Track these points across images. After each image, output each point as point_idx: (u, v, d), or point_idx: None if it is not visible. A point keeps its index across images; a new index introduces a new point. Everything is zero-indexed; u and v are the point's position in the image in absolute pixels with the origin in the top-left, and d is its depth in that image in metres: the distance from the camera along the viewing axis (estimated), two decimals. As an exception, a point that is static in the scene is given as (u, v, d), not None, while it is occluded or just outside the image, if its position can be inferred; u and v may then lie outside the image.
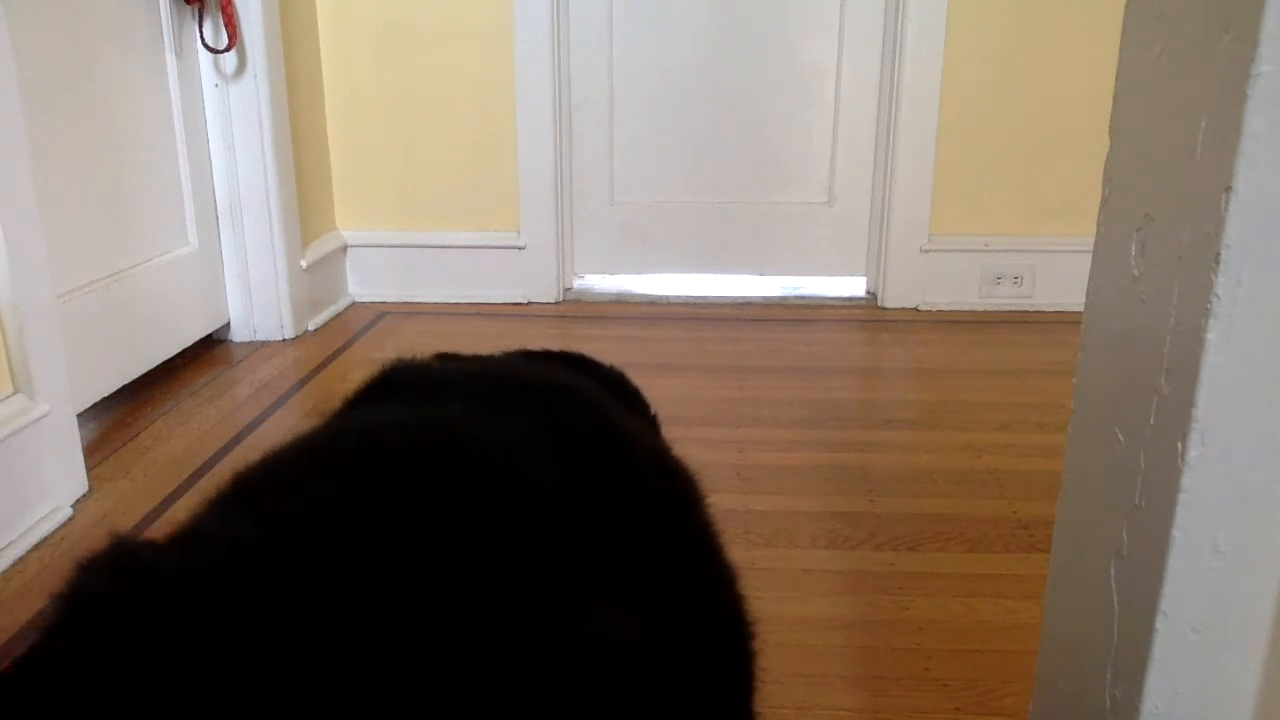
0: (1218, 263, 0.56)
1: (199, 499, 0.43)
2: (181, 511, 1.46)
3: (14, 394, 1.40)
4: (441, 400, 0.57)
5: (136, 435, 1.74)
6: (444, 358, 0.67)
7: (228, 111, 2.17)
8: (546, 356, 0.80)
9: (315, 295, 2.42)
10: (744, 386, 1.98)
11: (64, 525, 1.42)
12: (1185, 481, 0.60)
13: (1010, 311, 2.52)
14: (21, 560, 1.33)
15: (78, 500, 1.49)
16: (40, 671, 0.34)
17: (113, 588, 0.35)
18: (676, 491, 0.64)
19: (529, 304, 2.59)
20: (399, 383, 0.61)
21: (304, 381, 2.04)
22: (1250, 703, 0.65)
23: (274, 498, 0.43)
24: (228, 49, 2.11)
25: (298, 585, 0.36)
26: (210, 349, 2.22)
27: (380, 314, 2.52)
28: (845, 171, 2.58)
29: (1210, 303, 0.57)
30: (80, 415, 1.59)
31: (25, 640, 1.16)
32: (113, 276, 1.85)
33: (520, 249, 2.58)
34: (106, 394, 1.81)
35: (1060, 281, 2.49)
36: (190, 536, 0.41)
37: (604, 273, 2.70)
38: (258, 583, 0.36)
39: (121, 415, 1.83)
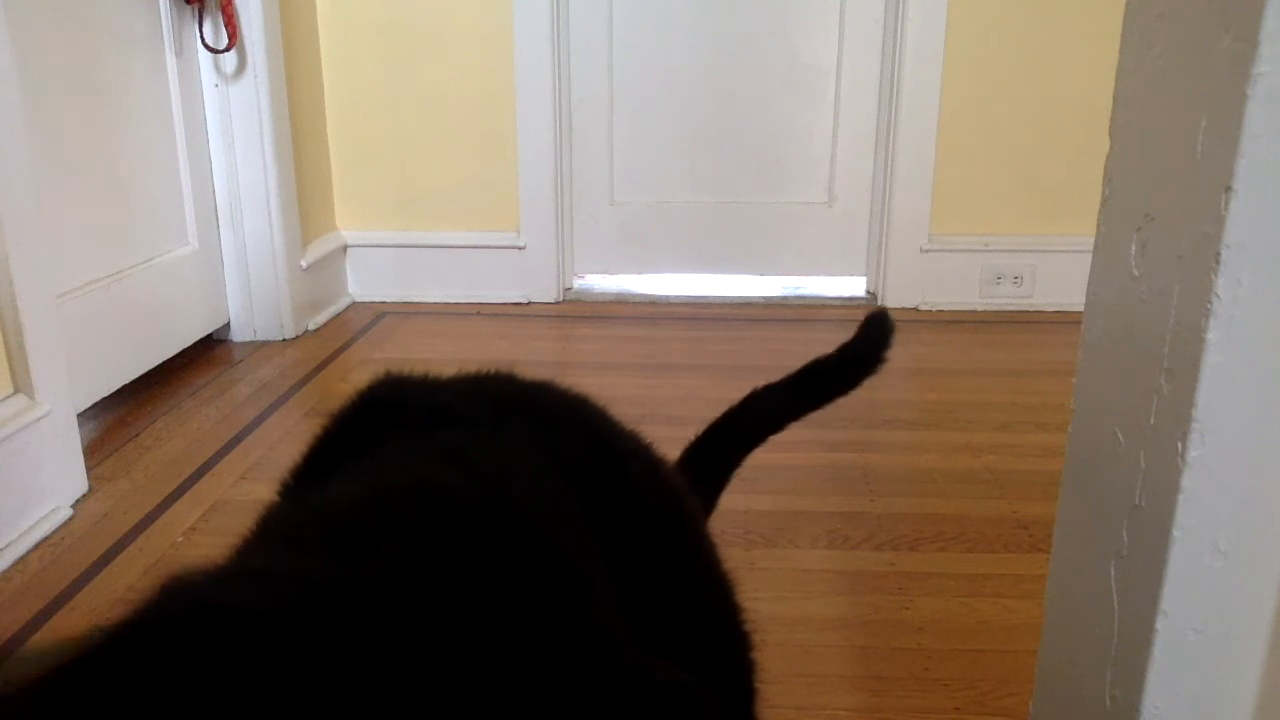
0: (1218, 263, 0.56)
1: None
2: (182, 511, 1.47)
3: (14, 394, 1.40)
4: (450, 433, 0.56)
5: (136, 435, 1.74)
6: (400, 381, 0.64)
7: (228, 111, 2.17)
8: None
9: (315, 295, 2.42)
10: (744, 387, 1.98)
11: (64, 525, 1.42)
12: (1185, 481, 0.60)
13: (1010, 311, 2.52)
14: (22, 560, 1.33)
15: (78, 500, 1.49)
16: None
17: (182, 625, 0.33)
18: (672, 506, 0.64)
19: (529, 304, 2.59)
20: (393, 407, 0.60)
21: (304, 381, 2.04)
22: (1250, 703, 0.65)
23: (330, 546, 0.42)
24: (228, 49, 2.11)
25: (370, 640, 0.34)
26: (210, 349, 2.22)
27: (380, 314, 2.52)
28: (845, 171, 2.58)
29: (1210, 303, 0.57)
30: (80, 415, 1.59)
31: (25, 640, 1.16)
32: (113, 276, 1.85)
33: (520, 249, 2.58)
34: (106, 394, 1.81)
35: (1060, 281, 2.49)
36: (251, 573, 0.39)
37: (604, 273, 2.70)
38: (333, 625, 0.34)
39: (121, 415, 1.83)
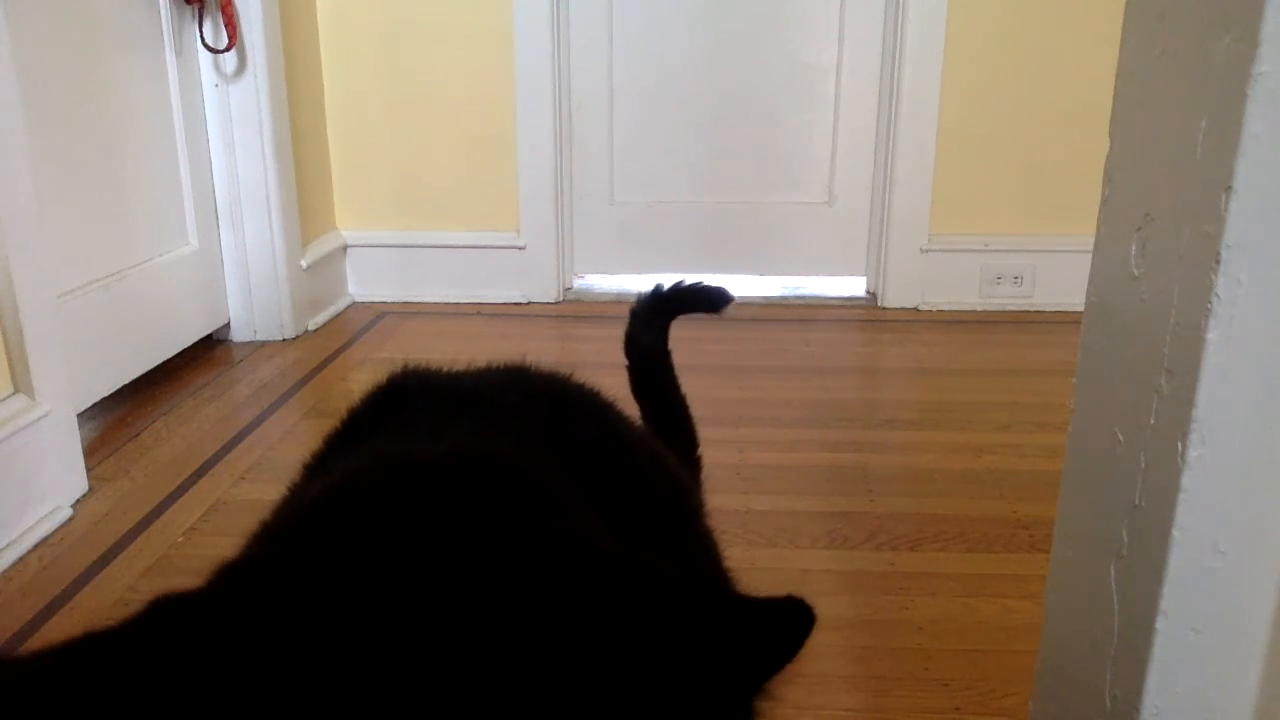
0: (1218, 263, 0.56)
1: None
2: (182, 511, 1.47)
3: (14, 394, 1.40)
4: (472, 418, 0.58)
5: (136, 435, 1.74)
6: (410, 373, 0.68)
7: (228, 111, 2.17)
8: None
9: (315, 295, 2.42)
10: (744, 386, 1.98)
11: (64, 525, 1.42)
12: (1185, 481, 0.60)
13: (1010, 311, 2.52)
14: (21, 560, 1.33)
15: (78, 500, 1.49)
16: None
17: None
18: (673, 489, 0.67)
19: (529, 304, 2.59)
20: (416, 393, 0.62)
21: (304, 381, 2.04)
22: (1250, 703, 0.65)
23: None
24: (228, 49, 2.11)
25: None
26: (210, 349, 2.22)
27: (380, 314, 2.52)
28: (845, 171, 2.58)
29: (1210, 303, 0.57)
30: (80, 415, 1.59)
31: (25, 641, 1.16)
32: (113, 276, 1.85)
33: (520, 249, 2.58)
34: (106, 394, 1.81)
35: (1060, 281, 2.49)
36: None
37: (604, 273, 2.70)
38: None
39: (121, 415, 1.83)
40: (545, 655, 0.34)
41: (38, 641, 1.16)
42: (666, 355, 0.99)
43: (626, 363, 0.99)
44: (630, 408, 0.72)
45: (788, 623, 0.37)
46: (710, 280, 1.03)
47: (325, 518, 0.42)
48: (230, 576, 0.41)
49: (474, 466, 0.47)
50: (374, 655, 0.33)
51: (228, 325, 2.28)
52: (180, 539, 1.39)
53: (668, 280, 1.02)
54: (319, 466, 0.58)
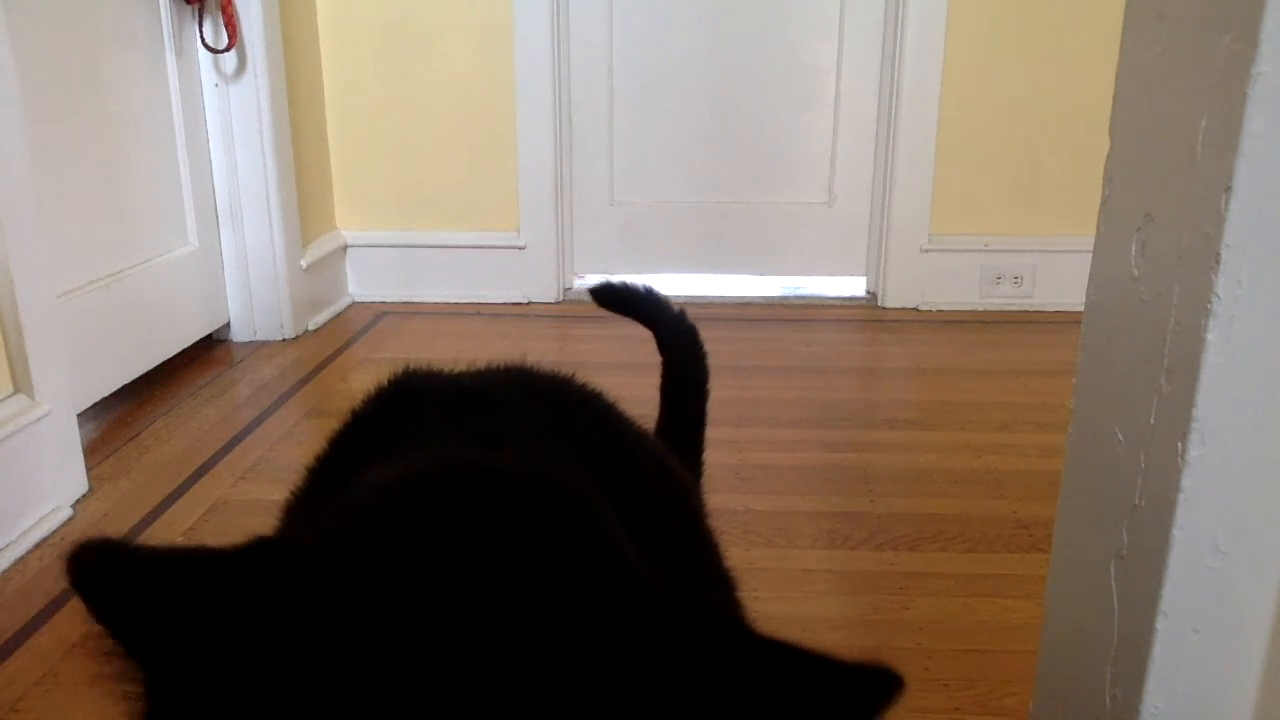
0: (1218, 263, 0.56)
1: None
2: (182, 511, 1.47)
3: (14, 394, 1.40)
4: (482, 419, 0.58)
5: (136, 435, 1.74)
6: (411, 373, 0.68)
7: (228, 111, 2.17)
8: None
9: (315, 295, 2.42)
10: (744, 386, 1.98)
11: (64, 525, 1.42)
12: (1185, 481, 0.60)
13: (1010, 311, 2.52)
14: (21, 560, 1.33)
15: (78, 500, 1.49)
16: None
17: None
18: (676, 490, 0.67)
19: (529, 304, 2.59)
20: (420, 395, 0.62)
21: (304, 381, 2.04)
22: (1250, 703, 0.65)
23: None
24: (228, 49, 2.11)
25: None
26: (210, 349, 2.22)
27: (380, 314, 2.52)
28: (845, 171, 2.58)
29: (1210, 303, 0.57)
30: (80, 415, 1.59)
31: (25, 640, 1.16)
32: (113, 276, 1.85)
33: (520, 249, 2.58)
34: (106, 394, 1.81)
35: (1060, 281, 2.49)
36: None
37: (604, 273, 2.70)
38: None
39: (121, 415, 1.83)
40: (614, 705, 0.34)
41: (38, 641, 1.16)
42: (704, 356, 1.00)
43: (662, 358, 0.98)
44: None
45: (872, 689, 0.35)
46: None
47: (408, 513, 0.42)
48: (327, 541, 0.41)
49: (554, 489, 0.47)
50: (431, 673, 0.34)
51: (228, 325, 2.28)
52: (180, 539, 1.39)
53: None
54: (324, 468, 0.58)
